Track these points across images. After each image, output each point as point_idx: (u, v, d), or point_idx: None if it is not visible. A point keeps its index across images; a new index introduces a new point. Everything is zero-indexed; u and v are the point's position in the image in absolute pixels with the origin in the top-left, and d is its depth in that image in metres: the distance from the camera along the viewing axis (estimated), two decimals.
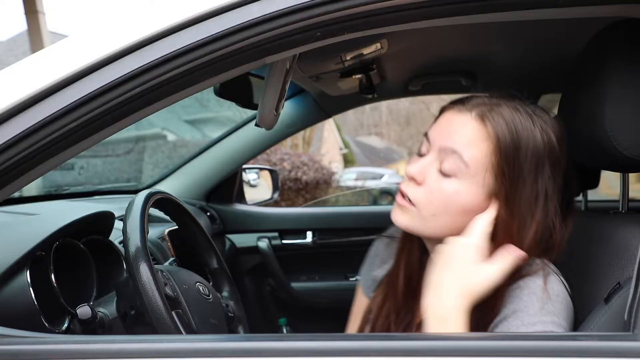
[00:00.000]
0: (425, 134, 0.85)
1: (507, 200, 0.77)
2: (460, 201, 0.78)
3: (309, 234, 2.05)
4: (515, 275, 0.76)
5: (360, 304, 1.04)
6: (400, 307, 0.90)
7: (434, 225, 0.81)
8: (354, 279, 2.00)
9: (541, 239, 0.78)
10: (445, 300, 0.73)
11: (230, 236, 2.06)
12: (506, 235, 0.77)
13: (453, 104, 0.84)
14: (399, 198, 0.83)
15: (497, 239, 0.77)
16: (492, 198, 0.78)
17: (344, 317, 2.07)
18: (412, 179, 0.81)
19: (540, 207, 0.77)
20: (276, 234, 2.07)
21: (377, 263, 1.03)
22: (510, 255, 0.75)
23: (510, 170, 0.76)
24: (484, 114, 0.78)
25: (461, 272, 0.73)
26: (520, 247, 0.76)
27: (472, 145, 0.78)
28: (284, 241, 2.05)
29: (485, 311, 0.75)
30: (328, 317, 2.09)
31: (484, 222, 0.76)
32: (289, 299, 2.06)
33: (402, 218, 0.82)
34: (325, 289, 2.04)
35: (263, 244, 2.04)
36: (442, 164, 0.79)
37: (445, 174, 0.79)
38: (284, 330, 2.00)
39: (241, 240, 2.07)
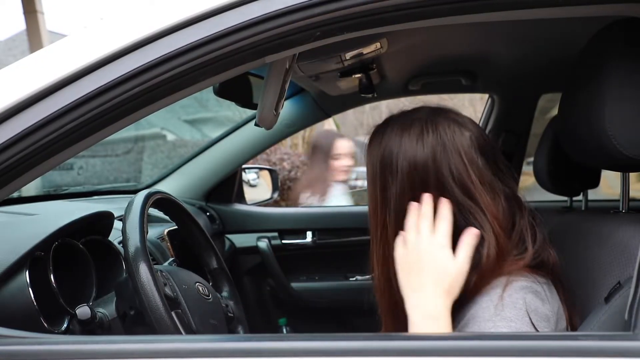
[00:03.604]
0: None
1: (383, 206, 0.86)
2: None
3: (309, 234, 2.05)
4: (481, 284, 0.78)
5: None
6: None
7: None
8: (353, 278, 2.03)
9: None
10: (433, 300, 0.76)
11: (230, 236, 2.06)
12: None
13: None
14: None
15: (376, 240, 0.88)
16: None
17: (344, 317, 2.08)
18: None
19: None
20: (276, 233, 2.06)
21: None
22: (469, 239, 0.79)
23: (380, 179, 0.86)
24: (371, 132, 0.91)
25: (440, 273, 0.77)
26: None
27: (367, 155, 0.91)
28: (283, 241, 2.05)
29: (453, 314, 0.79)
30: (328, 317, 2.10)
31: (448, 223, 0.80)
32: (289, 299, 2.06)
33: None
34: (325, 288, 2.04)
35: (263, 244, 2.03)
36: None
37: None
38: (284, 331, 1.99)
39: (241, 240, 2.07)
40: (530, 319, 0.73)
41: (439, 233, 0.79)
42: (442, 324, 0.74)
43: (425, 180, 0.82)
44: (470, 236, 0.78)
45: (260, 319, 2.10)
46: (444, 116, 0.86)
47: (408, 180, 0.83)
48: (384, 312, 0.90)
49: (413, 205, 0.82)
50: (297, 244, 2.05)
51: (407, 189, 0.83)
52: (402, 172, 0.83)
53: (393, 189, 0.84)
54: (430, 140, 0.82)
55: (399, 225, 0.82)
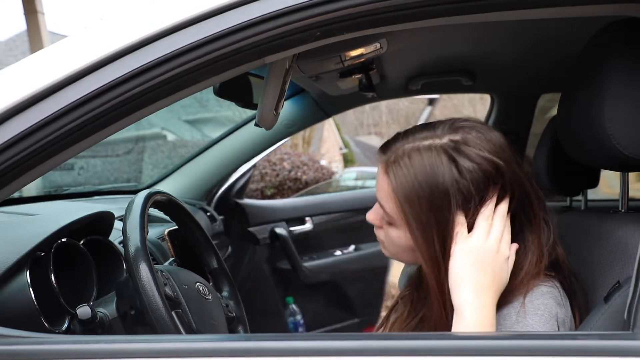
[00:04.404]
0: None
1: (438, 239, 0.77)
2: (407, 244, 0.81)
3: (308, 220, 2.40)
4: (513, 292, 0.77)
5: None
6: (416, 300, 0.93)
7: (403, 258, 0.87)
8: (338, 253, 2.46)
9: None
10: (487, 298, 0.73)
11: (251, 229, 2.30)
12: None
13: (379, 150, 0.85)
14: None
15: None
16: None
17: (340, 287, 2.43)
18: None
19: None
20: (283, 222, 2.35)
21: None
22: (512, 253, 0.77)
23: (417, 217, 0.77)
24: (388, 166, 0.79)
25: (498, 277, 0.75)
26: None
27: (387, 198, 0.80)
28: (291, 228, 2.35)
29: None
30: (329, 293, 2.45)
31: (509, 235, 0.77)
32: (297, 279, 2.32)
33: (383, 251, 0.89)
34: (323, 265, 2.37)
35: (281, 230, 2.30)
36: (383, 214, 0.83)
37: (387, 222, 0.84)
38: (292, 308, 2.29)
39: (257, 231, 2.30)
40: (551, 324, 0.73)
41: (505, 244, 0.76)
42: (489, 315, 0.72)
43: (490, 193, 0.76)
44: (512, 252, 0.77)
45: (270, 301, 2.35)
46: (468, 125, 0.79)
47: (468, 199, 0.75)
48: (442, 318, 0.80)
49: (494, 196, 0.76)
50: (300, 230, 2.38)
51: (465, 210, 0.76)
52: (463, 193, 0.75)
53: (449, 215, 0.75)
54: (485, 149, 0.76)
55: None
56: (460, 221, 0.76)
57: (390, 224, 0.83)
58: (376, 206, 0.86)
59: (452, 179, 0.75)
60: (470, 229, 0.76)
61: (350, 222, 2.46)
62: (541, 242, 0.80)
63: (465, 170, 0.75)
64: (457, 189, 0.75)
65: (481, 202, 0.76)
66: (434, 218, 0.76)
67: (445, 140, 0.77)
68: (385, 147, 0.83)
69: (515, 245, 0.78)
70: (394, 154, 0.80)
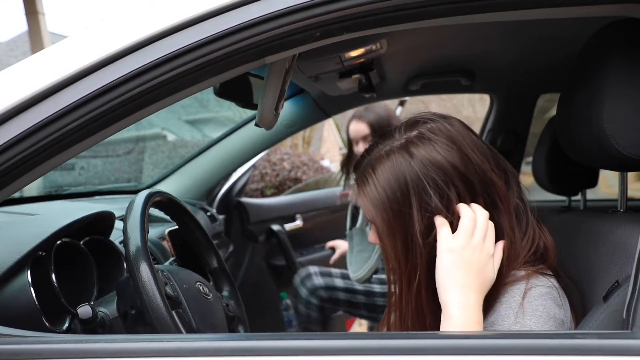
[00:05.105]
0: None
1: (402, 243, 0.80)
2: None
3: (299, 217, 2.52)
4: (499, 288, 0.78)
5: None
6: None
7: None
8: (319, 246, 2.56)
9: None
10: (478, 305, 0.74)
11: (251, 227, 2.38)
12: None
13: (354, 173, 0.88)
14: None
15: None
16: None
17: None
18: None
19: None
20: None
21: None
22: (499, 251, 0.78)
23: (387, 225, 0.79)
24: (359, 187, 0.83)
25: (482, 275, 0.76)
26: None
27: (369, 216, 0.83)
28: (284, 225, 2.46)
29: None
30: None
31: (493, 233, 0.78)
32: (289, 275, 2.35)
33: None
34: (313, 261, 2.44)
35: (278, 228, 2.40)
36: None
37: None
38: (285, 303, 2.36)
39: (255, 229, 2.39)
40: (549, 325, 0.74)
41: (490, 241, 0.77)
42: (475, 315, 0.73)
43: (455, 188, 0.77)
44: (499, 249, 0.78)
45: (269, 297, 2.44)
46: (424, 118, 0.81)
47: (435, 196, 0.76)
48: (411, 314, 0.83)
49: (465, 207, 0.77)
50: (292, 226, 2.50)
51: (437, 205, 0.77)
52: (427, 185, 0.76)
53: (412, 213, 0.77)
54: (442, 142, 0.78)
55: (433, 247, 0.77)
56: (441, 222, 0.77)
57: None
58: (372, 226, 0.87)
59: (412, 174, 0.77)
60: (454, 229, 0.77)
61: (333, 218, 2.63)
62: (513, 226, 0.80)
63: (423, 161, 0.77)
64: (417, 184, 0.77)
65: (447, 197, 0.77)
66: (399, 223, 0.78)
67: (402, 140, 0.80)
68: (355, 169, 0.86)
69: (502, 243, 0.79)
70: (360, 174, 0.84)
